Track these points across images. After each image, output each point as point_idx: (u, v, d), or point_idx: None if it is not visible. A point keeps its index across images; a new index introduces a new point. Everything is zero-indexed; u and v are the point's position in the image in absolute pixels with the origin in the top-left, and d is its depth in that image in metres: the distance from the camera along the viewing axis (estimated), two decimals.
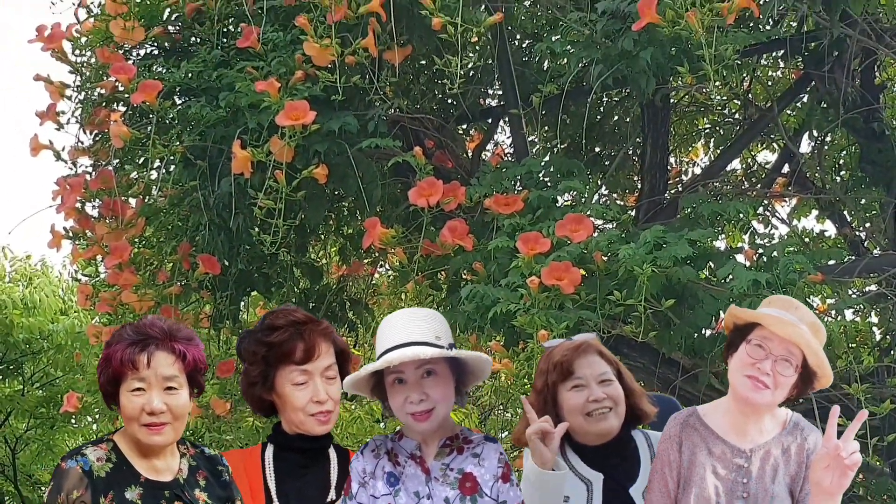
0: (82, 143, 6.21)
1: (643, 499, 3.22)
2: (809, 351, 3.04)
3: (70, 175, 6.11)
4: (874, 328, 7.29)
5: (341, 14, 5.24)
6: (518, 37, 6.94)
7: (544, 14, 6.93)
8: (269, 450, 3.27)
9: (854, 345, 6.03)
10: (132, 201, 6.09)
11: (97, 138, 6.19)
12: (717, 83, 4.72)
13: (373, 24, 5.35)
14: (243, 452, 3.38)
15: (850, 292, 6.70)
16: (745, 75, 7.46)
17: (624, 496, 3.24)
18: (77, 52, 6.13)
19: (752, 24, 5.85)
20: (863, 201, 7.51)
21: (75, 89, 6.06)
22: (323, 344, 3.22)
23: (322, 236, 7.37)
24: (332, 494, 3.19)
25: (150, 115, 5.51)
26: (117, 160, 6.10)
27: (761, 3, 5.12)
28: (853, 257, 6.62)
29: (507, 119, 6.87)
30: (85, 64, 6.12)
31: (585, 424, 3.25)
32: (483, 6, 5.81)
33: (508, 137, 7.56)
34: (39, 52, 5.91)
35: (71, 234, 6.09)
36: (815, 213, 8.27)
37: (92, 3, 6.15)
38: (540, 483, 3.03)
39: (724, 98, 8.13)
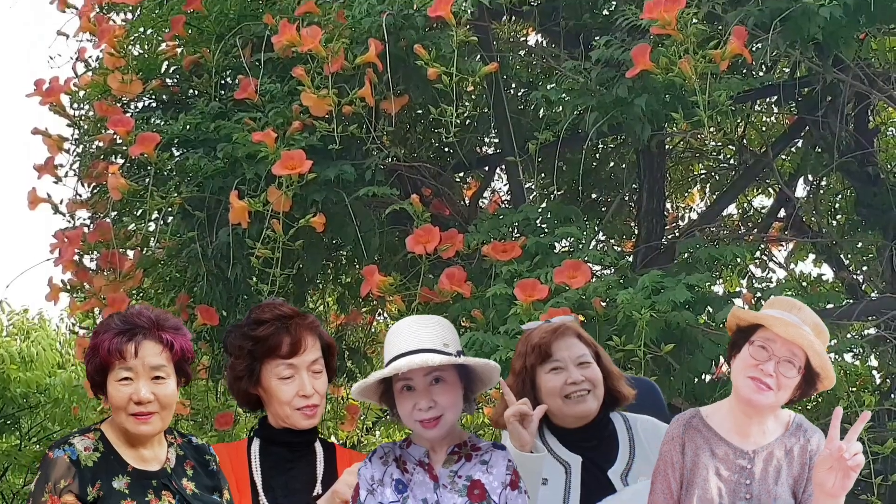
0: (80, 195, 6.24)
1: (622, 481, 3.20)
2: (812, 352, 3.03)
3: (68, 228, 6.12)
4: (874, 371, 7.27)
5: (338, 65, 5.29)
6: (513, 85, 6.99)
7: (539, 63, 6.99)
8: (256, 444, 3.25)
9: (854, 388, 6.01)
10: (130, 253, 6.08)
11: (95, 191, 6.21)
12: (711, 129, 4.75)
13: (369, 74, 5.39)
14: (229, 446, 3.35)
15: (848, 336, 6.68)
16: (739, 121, 7.51)
17: (602, 479, 3.22)
18: (75, 105, 6.17)
19: (745, 71, 5.90)
20: (859, 245, 7.53)
21: (73, 142, 6.09)
22: (309, 338, 3.21)
23: (320, 285, 7.37)
24: (318, 488, 3.17)
25: (148, 168, 5.54)
26: (115, 212, 6.11)
27: (754, 49, 5.16)
28: (851, 301, 6.62)
29: (503, 166, 6.90)
30: (83, 117, 6.16)
31: (564, 407, 3.24)
32: (478, 56, 5.86)
33: (505, 184, 7.59)
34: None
35: (69, 287, 6.07)
36: (812, 256, 8.27)
37: (90, 56, 6.20)
38: (518, 465, 3.01)
39: (719, 144, 8.18)
